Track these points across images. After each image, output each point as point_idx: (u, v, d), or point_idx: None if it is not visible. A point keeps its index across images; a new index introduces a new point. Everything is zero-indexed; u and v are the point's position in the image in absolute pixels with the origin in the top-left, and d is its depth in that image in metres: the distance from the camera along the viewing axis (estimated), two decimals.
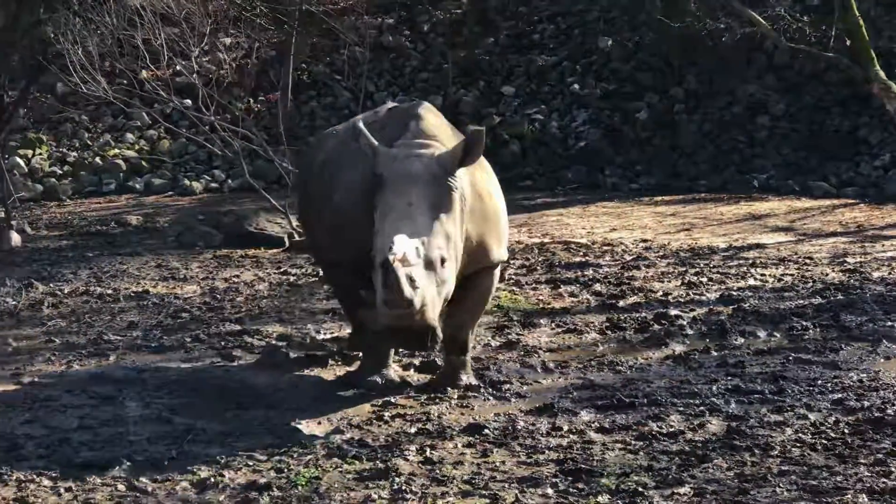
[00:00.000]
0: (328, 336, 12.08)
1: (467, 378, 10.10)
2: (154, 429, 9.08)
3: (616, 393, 9.77)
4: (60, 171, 25.86)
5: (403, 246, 8.74)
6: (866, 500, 7.39)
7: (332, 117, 27.49)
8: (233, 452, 8.48)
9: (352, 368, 10.61)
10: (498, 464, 8.18)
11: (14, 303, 13.96)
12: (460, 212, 9.49)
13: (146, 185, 25.63)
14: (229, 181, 25.47)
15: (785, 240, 17.98)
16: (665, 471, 7.92)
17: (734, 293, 13.71)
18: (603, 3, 30.05)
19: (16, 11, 21.53)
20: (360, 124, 9.86)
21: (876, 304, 12.94)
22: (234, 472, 8.09)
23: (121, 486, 7.84)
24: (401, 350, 10.48)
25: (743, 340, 11.60)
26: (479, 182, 9.97)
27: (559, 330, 12.24)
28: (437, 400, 9.71)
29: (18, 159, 25.51)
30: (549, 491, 7.63)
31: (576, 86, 28.31)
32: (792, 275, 14.87)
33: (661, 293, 13.85)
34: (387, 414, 9.36)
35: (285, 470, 8.09)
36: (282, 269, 16.03)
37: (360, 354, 10.53)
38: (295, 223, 17.82)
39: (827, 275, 14.82)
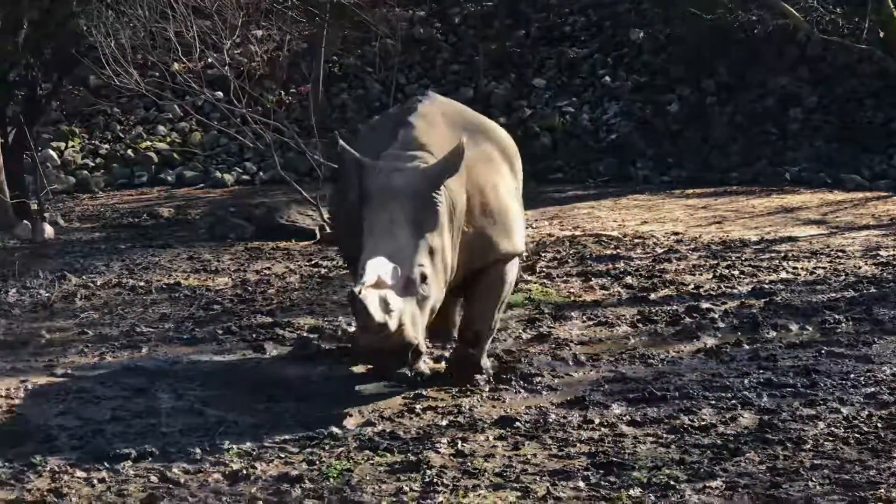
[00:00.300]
0: None
1: (478, 371, 10.08)
2: (186, 421, 9.11)
3: (647, 386, 9.76)
4: (93, 164, 25.99)
5: (374, 273, 8.78)
6: None
7: (363, 110, 27.56)
8: (264, 444, 8.50)
9: None
10: (529, 457, 8.18)
11: (47, 295, 14.03)
12: (449, 221, 9.46)
13: (178, 177, 25.73)
14: (261, 173, 25.54)
15: (817, 233, 17.90)
16: (697, 464, 7.90)
17: (766, 286, 13.66)
18: None
19: (49, 5, 21.62)
20: (341, 140, 9.95)
21: None
22: (265, 464, 8.11)
23: (153, 478, 7.87)
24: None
25: (775, 334, 11.55)
26: (480, 175, 9.93)
27: (590, 323, 12.22)
28: (469, 392, 9.71)
29: (51, 152, 25.65)
30: (581, 484, 7.62)
31: (607, 78, 28.28)
32: (824, 268, 14.81)
33: (692, 286, 13.82)
34: (418, 406, 9.37)
35: (317, 462, 8.11)
36: (313, 262, 16.06)
37: None
38: (326, 215, 17.84)
39: (859, 268, 14.75)
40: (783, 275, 14.43)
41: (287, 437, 8.68)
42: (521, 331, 11.84)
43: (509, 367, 10.44)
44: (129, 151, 26.34)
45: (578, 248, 16.65)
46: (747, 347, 11.03)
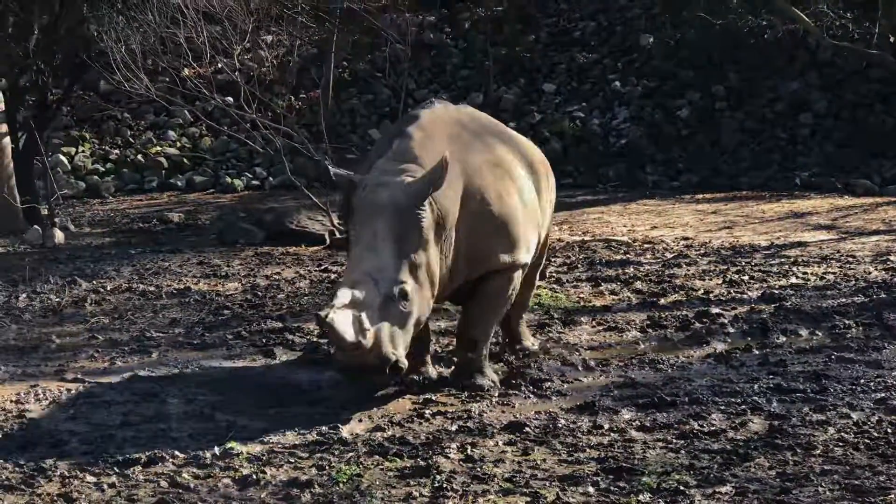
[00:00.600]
0: None
1: (478, 377, 10.06)
2: (196, 425, 9.12)
3: (657, 391, 9.75)
4: (103, 169, 26.03)
5: (344, 296, 8.88)
6: None
7: (373, 115, 27.60)
8: (274, 449, 8.51)
9: None
10: (539, 462, 8.18)
11: (58, 300, 14.05)
12: (436, 233, 9.45)
13: (188, 182, 25.77)
14: (270, 178, 25.57)
15: (827, 238, 17.88)
16: (706, 469, 7.90)
17: (776, 291, 13.64)
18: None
19: (59, 10, 21.67)
20: (328, 164, 10.05)
21: None
22: (275, 468, 8.12)
23: (163, 483, 7.88)
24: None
25: (785, 339, 11.54)
26: (483, 182, 9.91)
27: (600, 328, 12.22)
28: (478, 398, 9.72)
29: (62, 157, 25.72)
30: (591, 489, 7.62)
31: (617, 83, 28.28)
32: (834, 273, 14.80)
33: (702, 291, 13.81)
34: (427, 412, 9.37)
35: (326, 467, 8.11)
36: (323, 267, 16.06)
37: None
38: (336, 220, 17.85)
39: (870, 273, 14.73)
40: (793, 280, 14.42)
41: (297, 441, 8.69)
42: (531, 333, 11.82)
43: (519, 373, 10.44)
44: (140, 156, 26.39)
45: (588, 253, 16.65)
46: (757, 353, 11.02)
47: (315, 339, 11.75)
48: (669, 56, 28.38)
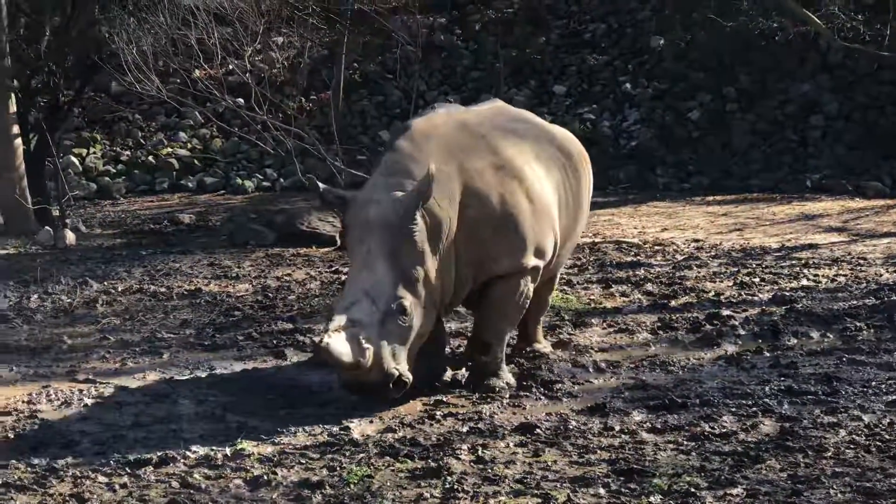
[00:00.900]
0: None
1: (492, 379, 10.06)
2: (207, 426, 9.14)
3: (668, 393, 9.75)
4: (114, 170, 26.08)
5: (339, 320, 8.97)
6: None
7: (384, 116, 27.62)
8: (285, 450, 8.53)
9: None
10: (550, 463, 8.18)
11: (69, 300, 14.08)
12: (433, 244, 9.46)
13: (199, 183, 25.81)
14: (281, 180, 25.60)
15: (838, 240, 17.86)
16: (717, 471, 7.89)
17: (787, 293, 13.63)
18: (654, 2, 29.98)
19: (71, 12, 21.72)
20: (319, 183, 10.01)
21: None
22: (286, 469, 8.13)
23: (175, 483, 7.90)
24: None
25: (796, 341, 11.53)
26: (483, 187, 9.87)
27: (611, 330, 12.22)
28: (489, 399, 9.72)
29: (73, 158, 25.78)
30: (601, 491, 7.62)
31: (627, 85, 28.27)
32: (845, 275, 14.78)
33: (712, 293, 13.79)
34: (438, 413, 9.38)
35: (338, 468, 8.12)
36: (333, 268, 16.07)
37: None
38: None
39: (881, 275, 14.71)
40: (804, 282, 14.41)
41: (308, 442, 8.70)
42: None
43: (530, 374, 10.44)
44: (151, 158, 26.44)
45: (599, 255, 16.64)
46: (768, 355, 11.01)
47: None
48: (680, 58, 28.36)
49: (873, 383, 9.95)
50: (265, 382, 10.45)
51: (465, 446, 8.53)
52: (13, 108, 20.48)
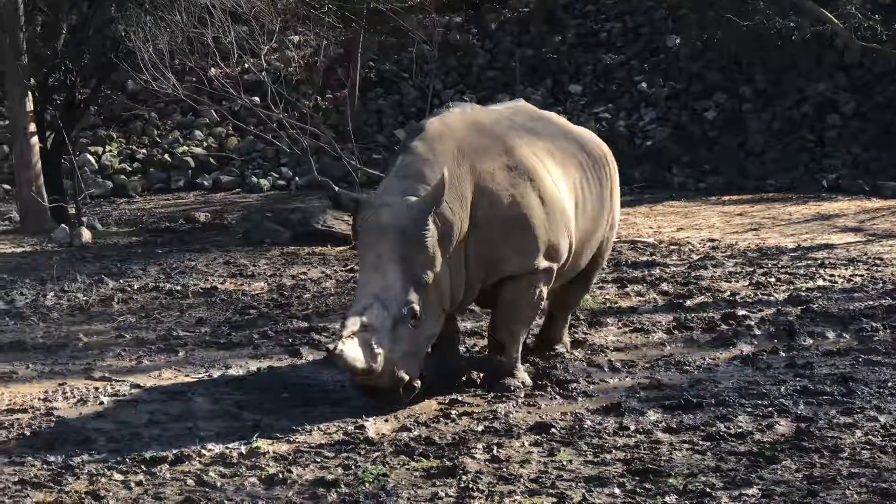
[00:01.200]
0: None
1: (508, 378, 10.06)
2: (222, 424, 9.15)
3: (683, 393, 9.73)
4: (130, 168, 26.13)
5: (352, 325, 8.99)
6: None
7: (399, 115, 27.62)
8: (301, 449, 8.54)
9: None
10: (565, 463, 8.18)
11: (85, 298, 14.11)
12: (444, 247, 9.45)
13: (214, 182, 25.84)
14: (296, 179, 25.61)
15: (854, 240, 17.82)
16: (733, 472, 7.88)
17: (803, 294, 13.60)
18: (671, 1, 29.95)
19: (88, 10, 21.76)
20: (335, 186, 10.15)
21: None
22: (301, 468, 8.14)
23: (190, 481, 7.91)
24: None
25: (812, 341, 11.51)
26: (494, 188, 9.85)
27: (626, 329, 12.21)
28: (504, 398, 9.72)
29: (89, 156, 25.82)
30: (616, 490, 7.62)
31: (643, 84, 28.25)
32: (861, 275, 14.74)
33: (728, 293, 13.77)
34: (454, 412, 9.38)
35: (353, 467, 8.13)
36: (348, 267, 16.08)
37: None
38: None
39: None
40: (820, 282, 14.38)
41: (323, 441, 8.71)
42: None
43: (545, 374, 10.44)
44: (166, 156, 26.48)
45: (614, 255, 16.59)
46: (784, 355, 10.99)
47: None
48: (696, 57, 28.33)
49: (889, 384, 9.92)
50: (280, 381, 10.46)
51: (480, 445, 8.53)
52: (30, 106, 20.54)
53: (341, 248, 17.82)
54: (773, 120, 26.41)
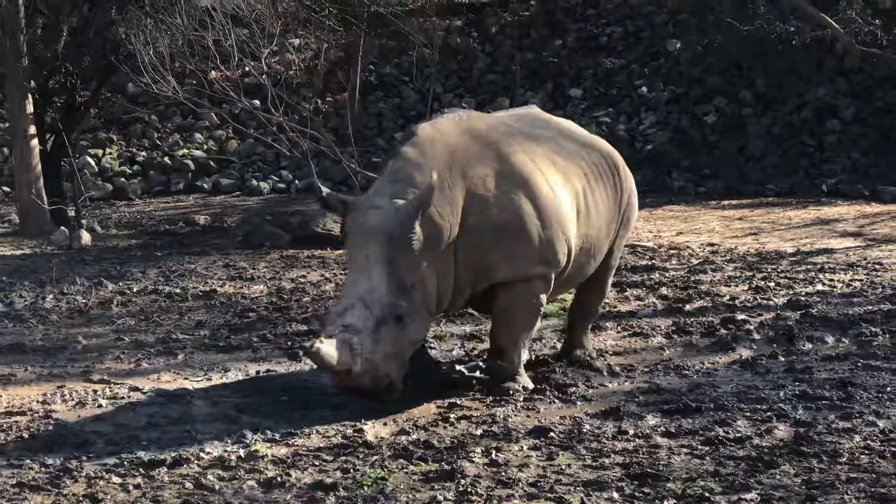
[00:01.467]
0: None
1: (508, 383, 10.04)
2: (221, 427, 9.14)
3: (682, 397, 9.73)
4: (130, 171, 26.14)
5: (332, 327, 9.03)
6: None
7: (400, 119, 27.63)
8: (299, 452, 8.53)
9: None
10: (563, 467, 8.17)
11: (84, 301, 14.11)
12: (431, 251, 9.43)
13: (214, 184, 25.85)
14: (296, 182, 25.61)
15: (854, 245, 17.82)
16: (731, 476, 7.88)
17: (802, 298, 13.60)
18: (671, 5, 29.94)
19: (88, 13, 21.77)
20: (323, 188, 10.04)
21: None
22: (300, 471, 8.13)
23: (188, 484, 7.90)
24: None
25: (811, 346, 11.50)
26: (486, 195, 9.82)
27: (625, 333, 12.21)
28: (503, 402, 9.71)
29: (89, 158, 25.84)
30: (615, 495, 7.61)
31: (643, 88, 28.24)
32: (861, 280, 14.75)
33: (727, 297, 13.77)
34: (452, 416, 9.37)
35: (351, 470, 8.12)
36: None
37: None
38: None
39: None
40: (819, 287, 14.37)
41: (321, 444, 8.71)
42: (555, 341, 11.83)
43: (544, 378, 10.43)
44: (166, 159, 26.49)
45: None
46: (783, 359, 10.98)
47: None
48: (696, 62, 28.33)
49: (888, 389, 9.91)
50: (279, 384, 10.46)
51: (478, 449, 8.52)
52: (30, 108, 20.55)
53: (341, 251, 17.80)
54: (773, 124, 26.41)
